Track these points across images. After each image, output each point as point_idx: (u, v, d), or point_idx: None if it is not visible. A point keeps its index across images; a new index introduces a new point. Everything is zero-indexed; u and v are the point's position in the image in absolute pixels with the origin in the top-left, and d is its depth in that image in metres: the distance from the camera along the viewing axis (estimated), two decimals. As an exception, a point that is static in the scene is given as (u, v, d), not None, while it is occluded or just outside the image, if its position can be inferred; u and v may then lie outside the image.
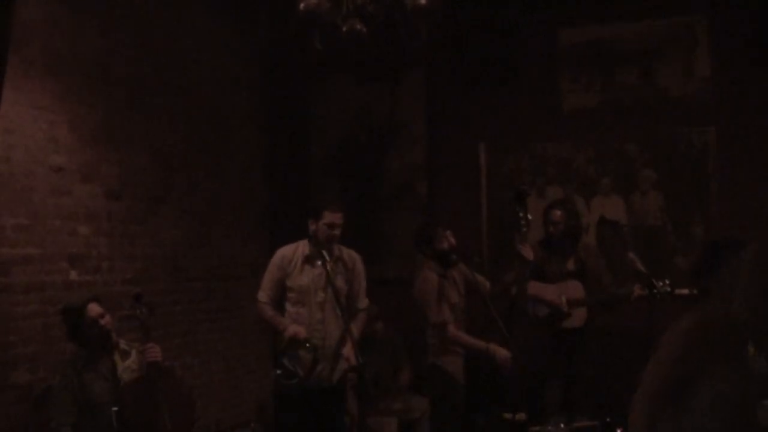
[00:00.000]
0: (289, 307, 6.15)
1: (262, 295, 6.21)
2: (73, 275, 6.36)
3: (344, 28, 4.63)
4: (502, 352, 6.35)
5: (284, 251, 6.23)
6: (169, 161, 7.44)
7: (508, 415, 6.01)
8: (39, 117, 6.09)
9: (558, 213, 6.85)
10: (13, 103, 5.73)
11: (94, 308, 5.54)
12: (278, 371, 6.08)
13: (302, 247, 6.21)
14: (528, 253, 6.38)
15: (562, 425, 5.81)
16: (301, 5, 4.52)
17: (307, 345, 6.00)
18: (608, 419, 6.04)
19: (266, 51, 8.71)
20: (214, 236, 7.97)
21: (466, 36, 8.26)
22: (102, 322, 5.53)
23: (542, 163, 8.20)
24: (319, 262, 6.09)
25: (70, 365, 5.54)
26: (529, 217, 6.34)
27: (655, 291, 6.42)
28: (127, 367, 5.67)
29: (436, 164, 8.59)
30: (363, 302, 6.40)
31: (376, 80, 8.79)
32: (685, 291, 6.49)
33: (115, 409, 5.35)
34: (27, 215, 5.96)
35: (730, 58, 7.61)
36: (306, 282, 6.13)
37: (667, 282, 6.47)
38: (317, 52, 4.91)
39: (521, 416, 6.02)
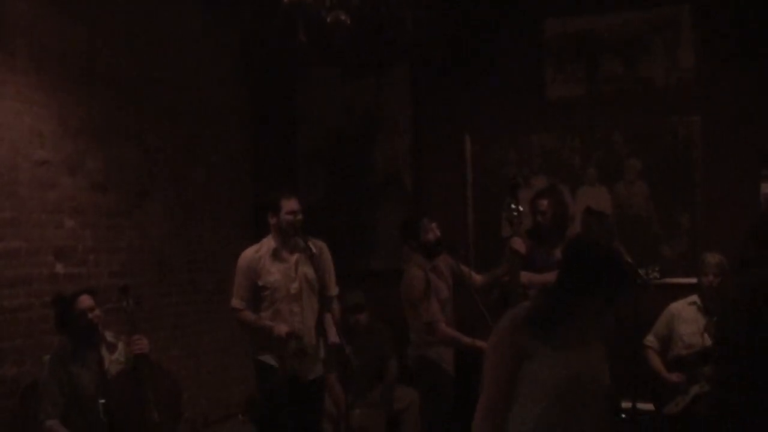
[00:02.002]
0: (265, 306, 6.16)
1: (238, 303, 6.21)
2: (59, 268, 6.35)
3: (328, 19, 4.63)
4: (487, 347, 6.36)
5: (248, 254, 6.25)
6: (155, 154, 7.44)
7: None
8: (24, 111, 6.09)
9: (545, 202, 6.85)
10: (-3, 96, 5.73)
11: (85, 300, 5.55)
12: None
13: (266, 244, 6.23)
14: (520, 246, 6.40)
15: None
16: (286, -4, 4.52)
17: (296, 341, 6.05)
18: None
19: (251, 43, 8.70)
20: (200, 229, 7.97)
21: (451, 27, 8.26)
22: (90, 315, 5.53)
23: (528, 154, 8.20)
24: (287, 255, 6.19)
25: (56, 358, 5.53)
26: (521, 208, 6.35)
27: (640, 281, 6.44)
28: (114, 360, 5.68)
29: (422, 156, 8.59)
30: (334, 290, 6.44)
31: (362, 73, 8.78)
32: (675, 280, 6.54)
33: (102, 401, 5.36)
34: (12, 209, 5.95)
35: (714, 47, 7.62)
36: (278, 277, 6.14)
37: (657, 269, 6.50)
38: (302, 45, 4.91)
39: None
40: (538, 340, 3.34)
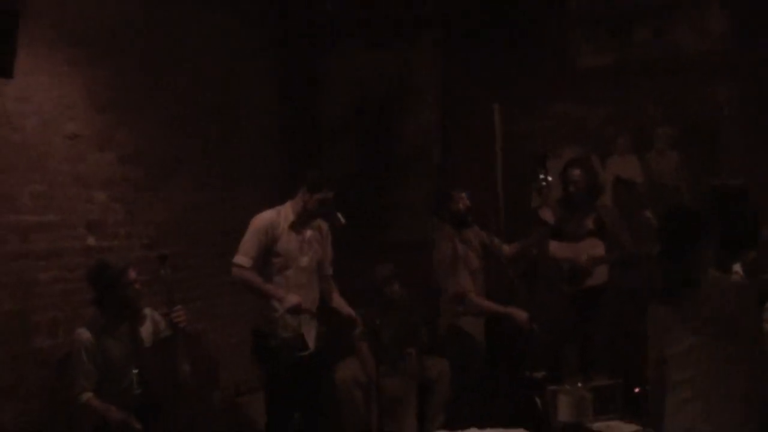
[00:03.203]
0: (273, 273, 6.15)
1: (245, 260, 6.07)
2: (91, 241, 6.39)
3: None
4: (521, 315, 6.37)
5: (269, 216, 6.18)
6: (183, 127, 7.45)
7: (527, 373, 6.04)
8: (54, 85, 6.11)
9: (577, 172, 6.82)
10: (26, 72, 5.74)
11: (133, 273, 5.64)
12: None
13: (285, 213, 6.20)
14: (548, 216, 6.40)
15: (579, 384, 5.84)
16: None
17: (303, 314, 6.08)
18: (626, 378, 6.06)
19: (278, 13, 8.67)
20: (229, 201, 7.99)
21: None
22: (138, 287, 5.60)
23: (557, 123, 8.16)
24: (301, 229, 6.19)
25: (90, 330, 5.57)
26: (549, 179, 6.33)
27: None
28: (146, 330, 5.73)
29: (450, 126, 8.55)
30: (330, 269, 6.45)
31: (389, 43, 8.73)
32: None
33: (135, 371, 5.40)
34: (44, 182, 5.99)
35: (746, 12, 7.53)
36: (292, 247, 6.15)
37: None
38: (329, 15, 4.90)
39: (540, 374, 6.05)
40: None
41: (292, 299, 5.97)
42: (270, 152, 8.74)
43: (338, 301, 6.40)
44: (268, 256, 6.10)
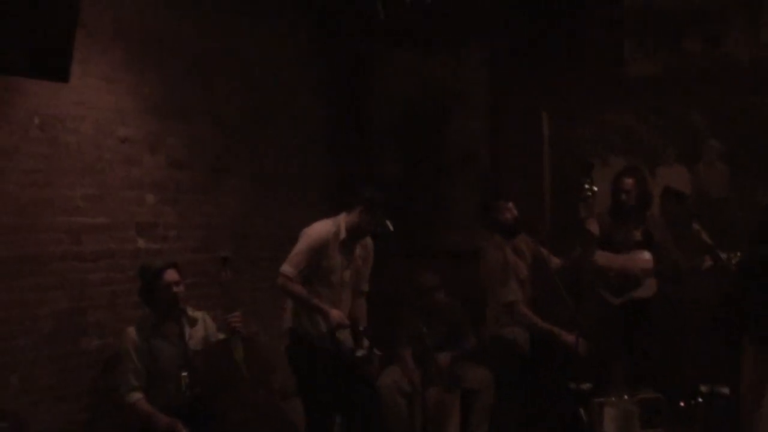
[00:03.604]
0: (314, 284, 6.16)
1: (291, 271, 6.09)
2: (141, 243, 6.45)
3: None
4: (568, 338, 6.36)
5: (322, 230, 6.19)
6: (233, 132, 7.50)
7: (572, 385, 6.02)
8: (106, 89, 6.17)
9: (630, 181, 6.78)
10: (81, 76, 5.80)
11: (171, 274, 5.67)
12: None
13: (337, 227, 6.20)
14: (594, 227, 6.37)
15: (626, 396, 5.80)
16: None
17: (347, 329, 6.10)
18: (673, 391, 6.03)
19: (328, 20, 8.70)
20: (277, 205, 8.03)
21: (529, 4, 8.19)
22: (175, 289, 5.63)
23: (606, 132, 8.13)
24: (351, 246, 6.23)
25: (139, 331, 5.66)
26: (595, 188, 6.30)
27: (721, 263, 6.37)
28: (197, 333, 5.77)
29: (499, 133, 8.55)
30: (366, 285, 6.46)
31: (439, 50, 8.75)
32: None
33: (184, 374, 5.44)
34: (96, 185, 6.05)
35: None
36: (338, 264, 6.17)
37: (738, 254, 6.40)
38: (380, 22, 4.91)
39: (586, 386, 6.03)
40: None
41: (336, 315, 6.00)
42: (317, 157, 8.77)
43: (361, 314, 6.47)
44: (315, 268, 6.14)
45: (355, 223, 6.14)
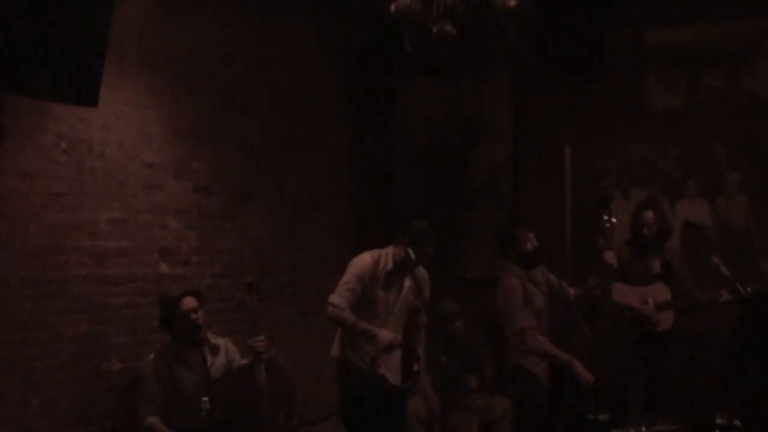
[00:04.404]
0: (364, 315, 6.12)
1: (341, 301, 6.07)
2: (164, 268, 6.51)
3: (434, 30, 4.68)
4: (585, 375, 6.36)
5: (369, 261, 6.16)
6: (258, 158, 7.57)
7: (591, 416, 6.01)
8: (132, 114, 6.26)
9: (650, 213, 6.81)
10: (108, 101, 5.88)
11: (189, 302, 5.65)
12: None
13: (385, 259, 6.19)
14: (612, 259, 6.37)
15: (643, 428, 5.80)
16: (392, 6, 4.58)
17: (398, 349, 6.10)
18: (689, 423, 6.02)
19: (355, 50, 8.78)
20: (301, 232, 8.08)
21: (552, 35, 8.24)
22: (194, 316, 5.63)
23: (627, 164, 8.15)
24: (399, 278, 6.18)
25: (160, 356, 5.67)
26: (614, 220, 6.31)
27: (740, 296, 6.37)
28: (219, 360, 5.78)
29: (521, 163, 8.59)
30: (425, 317, 6.46)
31: (463, 79, 8.82)
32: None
33: (205, 399, 5.45)
34: (120, 209, 6.12)
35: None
36: (385, 296, 6.15)
37: (757, 288, 6.41)
38: (405, 52, 4.96)
39: (604, 417, 6.02)
40: None
41: (386, 336, 6.02)
42: (341, 185, 8.83)
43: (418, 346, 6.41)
44: (361, 299, 6.12)
45: (401, 256, 6.15)
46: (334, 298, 6.11)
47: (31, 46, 4.90)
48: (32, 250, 5.48)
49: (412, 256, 6.05)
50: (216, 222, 7.06)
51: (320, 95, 8.54)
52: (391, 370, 6.21)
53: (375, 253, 6.21)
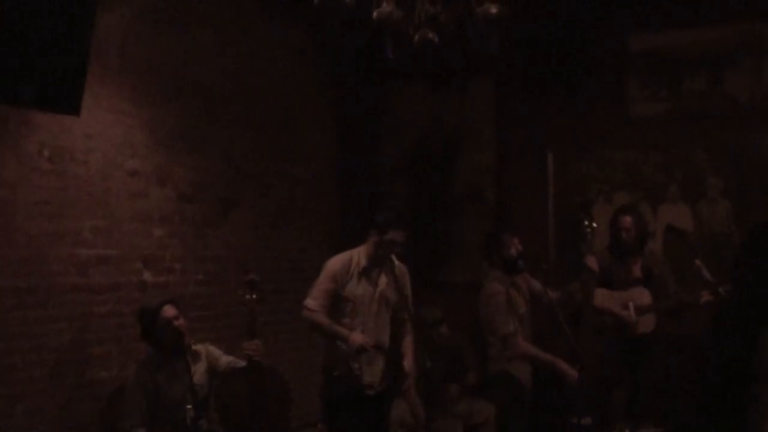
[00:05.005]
0: (343, 317, 6.17)
1: (313, 304, 6.14)
2: (147, 276, 6.50)
3: (416, 38, 4.69)
4: (569, 373, 6.38)
5: (339, 261, 6.22)
6: (242, 165, 7.57)
7: (574, 420, 6.03)
8: (116, 122, 6.25)
9: (628, 219, 6.84)
10: (91, 109, 5.88)
11: (169, 310, 5.65)
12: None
13: (357, 257, 6.24)
14: (593, 264, 6.40)
15: (626, 431, 5.82)
16: (374, 14, 4.59)
17: (369, 352, 6.11)
18: (672, 426, 6.04)
19: (338, 58, 8.80)
20: (285, 240, 8.09)
21: (535, 42, 8.27)
22: (176, 323, 5.64)
23: (610, 170, 8.18)
24: (375, 274, 6.21)
25: (144, 366, 5.66)
26: (594, 225, 6.34)
27: (719, 297, 6.39)
28: (200, 368, 5.78)
29: (505, 170, 8.61)
30: (406, 312, 6.47)
31: (446, 87, 8.84)
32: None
33: (189, 407, 5.46)
34: (104, 217, 6.12)
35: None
36: (362, 293, 6.18)
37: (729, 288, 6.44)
38: (389, 60, 4.98)
39: (587, 421, 6.04)
40: None
41: (357, 339, 6.03)
42: (326, 191, 8.83)
43: (406, 348, 6.40)
44: (338, 300, 6.16)
45: (372, 249, 6.19)
46: (308, 301, 6.17)
47: (13, 54, 4.90)
48: (15, 258, 5.47)
49: (381, 245, 6.08)
50: (200, 230, 7.06)
51: (304, 102, 8.55)
52: (371, 371, 6.23)
53: (347, 252, 6.26)
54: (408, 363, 6.29)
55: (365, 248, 6.23)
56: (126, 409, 5.60)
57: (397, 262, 6.26)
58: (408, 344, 6.39)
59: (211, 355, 5.92)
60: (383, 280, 6.23)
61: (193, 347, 5.84)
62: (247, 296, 6.00)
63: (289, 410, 6.09)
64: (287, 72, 8.26)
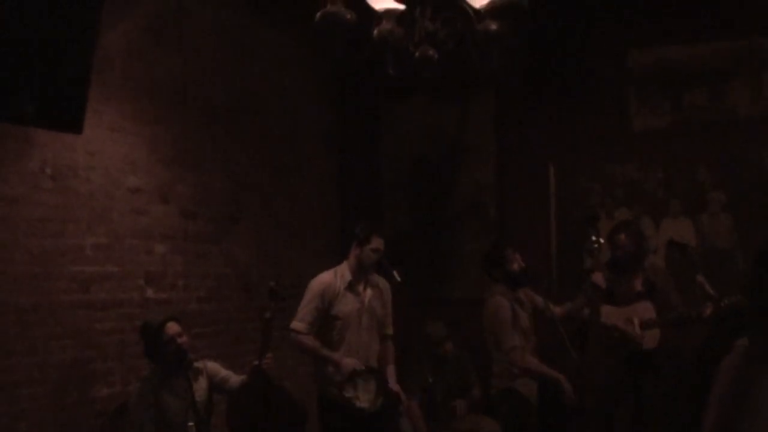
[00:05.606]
0: (334, 335, 6.17)
1: (301, 326, 6.13)
2: (150, 293, 6.50)
3: (416, 54, 4.70)
4: (569, 394, 6.37)
5: (325, 279, 6.21)
6: (243, 182, 7.59)
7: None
8: (118, 139, 6.26)
9: (622, 236, 6.83)
10: (93, 126, 5.88)
11: (172, 327, 5.64)
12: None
13: (341, 273, 6.23)
14: (600, 280, 6.39)
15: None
16: (375, 31, 4.60)
17: (363, 372, 6.10)
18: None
19: (339, 74, 8.81)
20: (287, 255, 8.09)
21: (536, 57, 8.29)
22: (180, 340, 5.64)
23: (611, 185, 8.19)
24: (361, 289, 6.21)
25: (146, 383, 5.65)
26: (601, 240, 6.34)
27: (721, 311, 6.38)
28: (200, 384, 5.78)
29: (506, 184, 8.62)
30: (390, 329, 6.46)
31: (447, 101, 8.87)
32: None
33: (191, 424, 5.46)
34: (106, 234, 6.12)
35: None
36: (350, 309, 6.16)
37: (740, 298, 6.42)
38: (390, 76, 4.99)
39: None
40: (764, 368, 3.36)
41: (348, 363, 6.02)
42: (328, 208, 8.85)
43: (389, 372, 6.38)
44: (326, 318, 6.14)
45: (354, 262, 6.19)
46: (296, 324, 6.17)
47: (15, 71, 4.90)
48: (18, 276, 5.46)
49: (364, 256, 6.08)
50: (202, 246, 7.06)
51: (306, 118, 8.57)
52: (366, 396, 6.20)
53: (330, 271, 6.27)
54: (394, 387, 6.27)
55: (347, 263, 6.24)
56: (130, 427, 5.59)
57: (378, 277, 6.27)
58: (390, 369, 6.38)
59: (211, 372, 5.91)
60: (369, 292, 6.23)
61: (194, 364, 5.84)
62: (269, 306, 5.91)
63: (303, 426, 6.08)
64: (288, 87, 8.28)
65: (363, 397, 6.18)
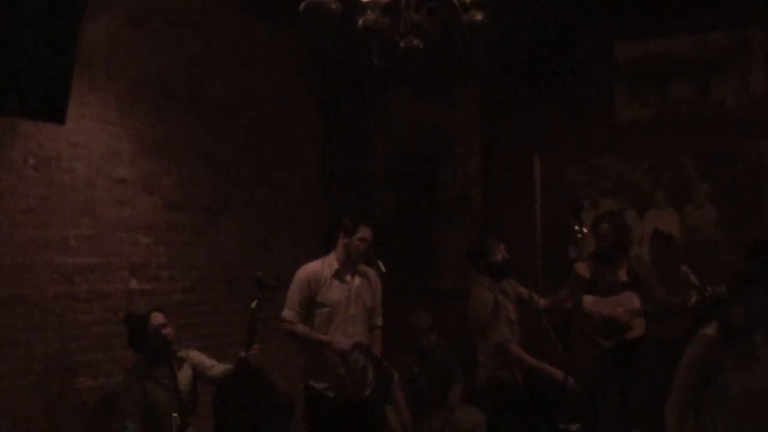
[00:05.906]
0: (321, 324, 6.16)
1: (291, 314, 6.11)
2: (134, 284, 6.49)
3: (401, 45, 4.69)
4: (557, 375, 6.38)
5: (310, 268, 6.20)
6: (228, 174, 7.56)
7: (562, 426, 6.03)
8: (102, 130, 6.24)
9: (605, 227, 6.84)
10: (77, 118, 5.87)
11: (157, 317, 5.66)
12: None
13: (329, 262, 6.22)
14: (584, 270, 6.40)
15: (615, 437, 5.83)
16: (360, 21, 4.58)
17: (360, 351, 6.09)
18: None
19: (324, 66, 8.79)
20: (270, 248, 8.07)
21: (521, 49, 8.29)
22: (164, 331, 5.64)
23: (597, 176, 8.20)
24: (348, 278, 6.19)
25: (131, 373, 5.65)
26: (585, 231, 6.34)
27: (705, 300, 6.39)
28: (184, 374, 5.77)
29: (492, 176, 8.62)
30: (379, 319, 6.45)
31: (433, 93, 8.86)
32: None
33: (175, 414, 5.45)
34: (90, 226, 6.10)
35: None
36: (337, 297, 6.15)
37: (724, 288, 6.43)
38: (375, 67, 4.98)
39: (575, 427, 6.04)
40: (728, 352, 3.43)
41: (341, 341, 6.01)
42: (312, 199, 8.82)
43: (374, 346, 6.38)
44: (313, 307, 6.13)
45: (342, 252, 6.18)
46: (285, 312, 6.15)
47: (-2, 63, 4.88)
48: (1, 267, 5.45)
49: (351, 245, 6.08)
50: (186, 238, 7.05)
51: (291, 110, 8.54)
52: (362, 380, 6.20)
53: (319, 260, 6.26)
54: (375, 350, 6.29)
55: (335, 253, 6.24)
56: (117, 420, 5.58)
57: (366, 267, 6.27)
58: (378, 345, 6.38)
59: (195, 361, 5.90)
60: (357, 281, 6.22)
61: (178, 353, 5.83)
62: (257, 296, 5.91)
63: (290, 420, 6.08)
64: (274, 80, 8.25)
65: (359, 386, 6.16)
